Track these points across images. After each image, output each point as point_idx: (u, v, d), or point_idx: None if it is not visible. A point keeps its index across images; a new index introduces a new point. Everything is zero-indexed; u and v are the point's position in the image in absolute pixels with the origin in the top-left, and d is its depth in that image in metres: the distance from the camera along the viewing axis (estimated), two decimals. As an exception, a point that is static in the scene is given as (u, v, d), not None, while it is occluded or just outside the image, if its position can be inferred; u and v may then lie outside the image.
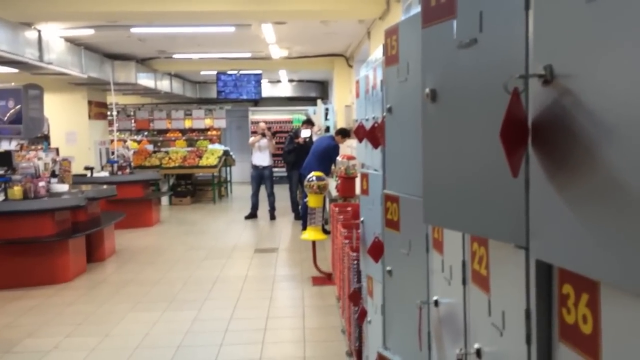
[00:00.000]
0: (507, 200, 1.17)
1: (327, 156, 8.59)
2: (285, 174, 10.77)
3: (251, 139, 10.90)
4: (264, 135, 10.49)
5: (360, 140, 3.23)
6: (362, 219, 3.23)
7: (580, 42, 0.92)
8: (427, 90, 1.47)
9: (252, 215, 10.55)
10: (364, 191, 3.08)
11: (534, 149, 1.05)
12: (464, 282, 1.56)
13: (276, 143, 10.79)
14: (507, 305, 1.26)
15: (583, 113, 0.91)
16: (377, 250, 2.65)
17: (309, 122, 10.41)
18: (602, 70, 0.86)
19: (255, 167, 10.48)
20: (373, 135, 2.70)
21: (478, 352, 1.42)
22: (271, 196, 10.41)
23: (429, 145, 1.54)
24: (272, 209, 10.44)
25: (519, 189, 1.11)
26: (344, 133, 8.72)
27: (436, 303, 1.84)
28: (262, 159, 10.42)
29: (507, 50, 1.16)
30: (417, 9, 1.98)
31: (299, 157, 9.57)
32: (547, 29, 1.02)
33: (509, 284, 1.25)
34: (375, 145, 2.72)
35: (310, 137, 9.95)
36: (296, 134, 10.25)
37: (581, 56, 0.91)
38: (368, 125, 2.88)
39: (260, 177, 10.41)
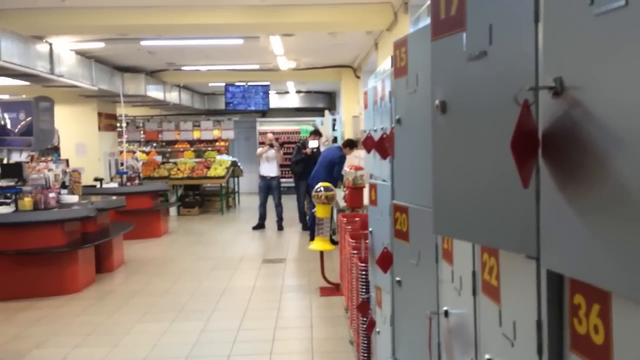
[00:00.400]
0: (518, 211, 1.17)
1: (334, 167, 8.61)
2: (293, 185, 10.79)
3: (259, 150, 10.94)
4: (271, 146, 10.53)
5: (368, 151, 3.24)
6: (370, 229, 3.23)
7: (589, 54, 0.93)
8: (437, 102, 1.49)
9: (260, 225, 10.56)
10: (373, 201, 3.09)
11: (544, 160, 1.06)
12: (474, 292, 1.57)
13: (284, 154, 10.82)
14: (518, 316, 1.26)
15: (593, 124, 0.91)
16: (386, 261, 2.65)
17: (316, 133, 10.46)
18: (612, 82, 0.87)
19: (262, 178, 10.50)
20: (382, 146, 2.71)
21: (489, 363, 1.42)
22: (279, 207, 10.42)
23: (439, 156, 1.54)
24: (279, 220, 10.45)
25: (530, 199, 1.12)
26: (351, 144, 8.75)
27: (446, 313, 1.84)
28: (269, 169, 10.45)
29: (517, 63, 1.17)
30: (425, 22, 2.00)
31: (307, 167, 9.61)
32: (556, 41, 1.03)
33: (519, 294, 1.25)
34: (384, 156, 2.74)
35: (318, 148, 9.98)
36: (304, 144, 10.29)
37: (591, 68, 0.92)
38: (376, 136, 2.90)
39: (268, 187, 10.43)
